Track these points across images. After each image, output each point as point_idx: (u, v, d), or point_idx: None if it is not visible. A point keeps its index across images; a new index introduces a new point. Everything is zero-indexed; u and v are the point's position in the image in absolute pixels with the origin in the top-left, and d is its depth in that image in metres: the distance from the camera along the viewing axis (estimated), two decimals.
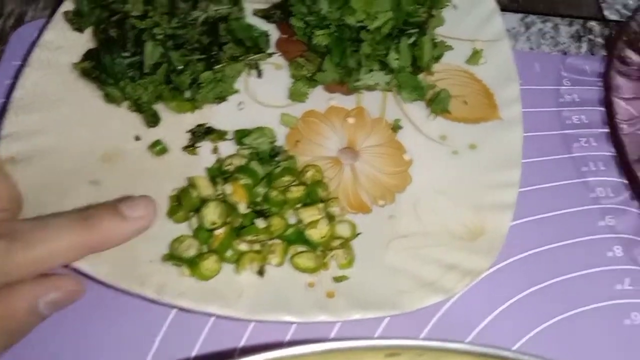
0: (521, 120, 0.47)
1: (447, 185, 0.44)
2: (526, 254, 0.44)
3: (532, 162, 0.49)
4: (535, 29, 0.58)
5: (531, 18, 0.59)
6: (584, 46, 0.58)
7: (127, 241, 0.36)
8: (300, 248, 0.40)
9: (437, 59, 0.51)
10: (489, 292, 0.42)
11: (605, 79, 0.50)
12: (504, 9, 0.59)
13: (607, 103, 0.48)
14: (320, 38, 0.48)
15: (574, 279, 0.43)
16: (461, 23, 0.52)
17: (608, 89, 0.49)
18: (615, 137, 0.47)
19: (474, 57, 0.51)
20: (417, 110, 0.49)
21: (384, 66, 0.49)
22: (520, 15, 0.59)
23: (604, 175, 0.48)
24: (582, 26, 0.59)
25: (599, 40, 0.58)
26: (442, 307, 0.42)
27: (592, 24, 0.59)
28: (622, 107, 0.49)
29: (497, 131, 0.47)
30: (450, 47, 0.51)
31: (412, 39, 0.49)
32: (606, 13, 0.61)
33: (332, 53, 0.49)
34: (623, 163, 0.45)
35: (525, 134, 0.49)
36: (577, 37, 0.58)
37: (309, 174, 0.43)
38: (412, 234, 0.42)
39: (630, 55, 0.53)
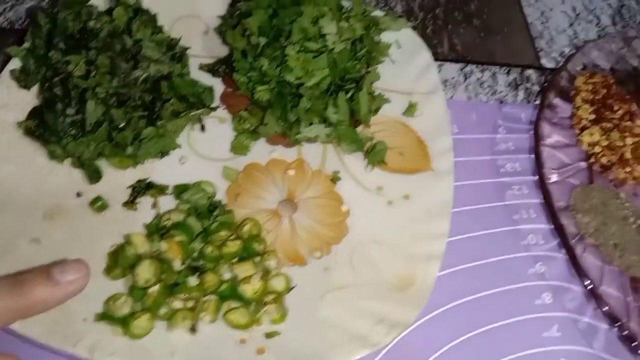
0: (452, 172, 0.49)
1: (381, 235, 0.46)
2: (458, 302, 0.45)
3: (467, 211, 0.51)
4: (474, 78, 0.61)
5: (470, 68, 0.62)
6: (521, 94, 0.60)
7: (58, 305, 0.37)
8: (234, 304, 0.41)
9: (375, 111, 0.53)
10: (421, 341, 0.43)
11: (535, 128, 0.52)
12: (444, 58, 0.62)
13: (536, 152, 0.50)
14: (262, 93, 0.50)
15: (503, 327, 0.45)
16: (399, 76, 0.55)
17: (537, 138, 0.51)
18: (542, 186, 0.49)
19: (410, 109, 0.53)
20: (355, 161, 0.51)
21: (324, 119, 0.51)
22: (459, 65, 0.62)
23: (534, 223, 0.50)
24: (519, 74, 0.62)
25: (536, 88, 0.61)
26: (374, 358, 0.43)
27: (529, 72, 0.62)
28: (552, 155, 0.51)
29: (429, 182, 0.48)
30: (387, 100, 0.53)
31: (350, 94, 0.51)
32: (543, 61, 0.64)
33: (274, 107, 0.50)
34: (550, 211, 0.47)
35: (460, 183, 0.51)
36: (514, 86, 0.61)
37: (246, 227, 0.45)
38: (346, 286, 0.43)
39: (560, 104, 0.56)
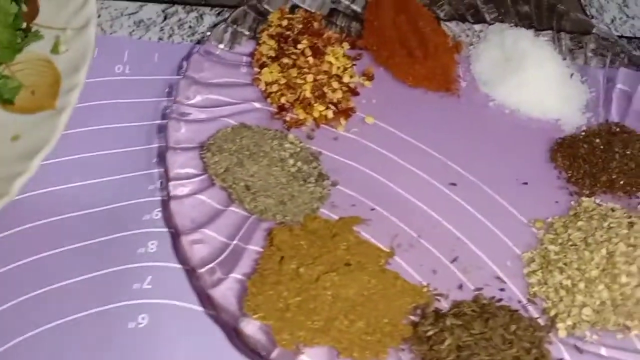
0: (69, 110, 0.43)
1: None
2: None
3: (109, 154, 0.45)
4: (175, 19, 0.55)
5: (176, 8, 0.56)
6: (227, 36, 0.54)
7: None
8: None
9: (19, 50, 0.48)
10: None
11: (188, 62, 0.47)
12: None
13: (173, 90, 0.45)
14: None
15: (93, 278, 0.39)
16: (59, 11, 0.49)
17: (185, 73, 0.46)
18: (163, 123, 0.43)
19: (55, 46, 0.47)
20: None
21: None
22: (164, 6, 0.56)
23: None
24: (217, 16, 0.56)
25: (245, 31, 0.55)
26: None
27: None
28: (199, 92, 0.46)
29: (43, 121, 0.42)
30: (39, 37, 0.48)
31: None
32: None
33: None
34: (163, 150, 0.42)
35: (115, 125, 0.47)
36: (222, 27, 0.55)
37: None
38: None
39: (245, 42, 0.51)
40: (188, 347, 0.37)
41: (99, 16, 0.53)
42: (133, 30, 0.53)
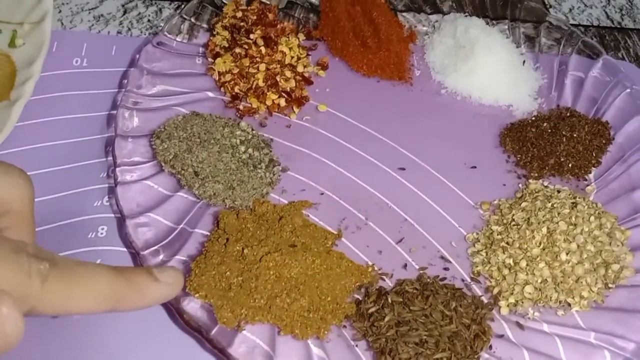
0: (23, 102, 0.44)
1: None
2: None
3: (70, 143, 0.46)
4: (134, 13, 0.56)
5: (135, 3, 0.57)
6: (184, 28, 0.56)
7: (152, 304, 0.31)
8: None
9: None
10: None
11: (141, 53, 0.48)
12: None
13: (122, 79, 0.46)
14: None
15: None
16: (17, 7, 0.50)
17: (137, 64, 0.47)
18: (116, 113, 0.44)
19: (12, 40, 0.49)
20: None
21: None
22: (123, 1, 0.57)
23: None
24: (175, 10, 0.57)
25: (202, 24, 0.56)
26: None
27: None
28: (151, 82, 0.47)
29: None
30: None
31: None
32: None
33: None
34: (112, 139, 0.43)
35: (70, 116, 0.48)
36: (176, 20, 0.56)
37: None
38: None
39: (201, 33, 0.52)
40: (132, 328, 0.38)
41: (59, 11, 0.55)
42: (92, 25, 0.55)
